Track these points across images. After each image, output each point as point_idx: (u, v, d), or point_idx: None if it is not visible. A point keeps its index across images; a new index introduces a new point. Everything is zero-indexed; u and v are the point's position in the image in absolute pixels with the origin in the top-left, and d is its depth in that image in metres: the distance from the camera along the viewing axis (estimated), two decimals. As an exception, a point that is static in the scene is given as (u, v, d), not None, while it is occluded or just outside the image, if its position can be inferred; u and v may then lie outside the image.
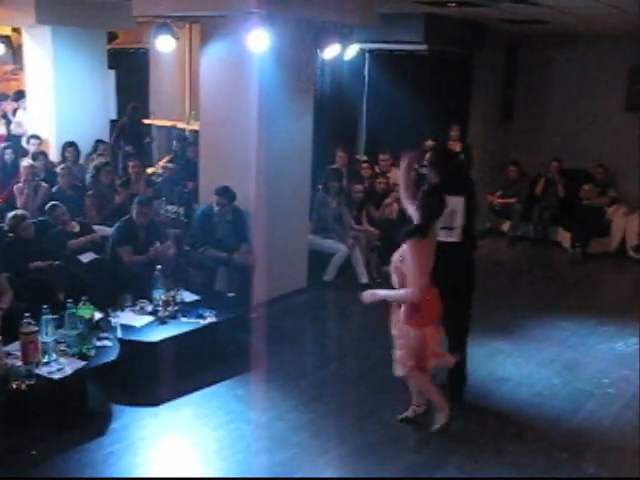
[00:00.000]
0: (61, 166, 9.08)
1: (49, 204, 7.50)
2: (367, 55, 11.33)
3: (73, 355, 5.42)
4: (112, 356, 5.52)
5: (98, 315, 5.98)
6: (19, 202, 8.26)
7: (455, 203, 5.43)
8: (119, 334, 5.89)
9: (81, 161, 9.96)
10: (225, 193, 7.53)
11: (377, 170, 10.40)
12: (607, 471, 5.05)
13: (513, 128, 12.68)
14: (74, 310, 5.55)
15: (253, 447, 5.21)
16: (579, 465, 5.09)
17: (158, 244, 7.37)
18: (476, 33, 11.23)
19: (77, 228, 7.47)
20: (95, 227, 7.80)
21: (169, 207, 8.90)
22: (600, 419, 5.78)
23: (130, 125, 11.21)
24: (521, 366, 6.70)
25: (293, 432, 5.41)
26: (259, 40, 7.10)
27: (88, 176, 8.90)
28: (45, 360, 5.26)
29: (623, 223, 10.81)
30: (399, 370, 5.26)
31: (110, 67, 11.37)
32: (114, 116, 11.69)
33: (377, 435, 5.37)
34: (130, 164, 9.42)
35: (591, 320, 7.95)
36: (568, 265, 10.57)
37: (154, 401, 5.74)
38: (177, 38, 8.70)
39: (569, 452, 5.25)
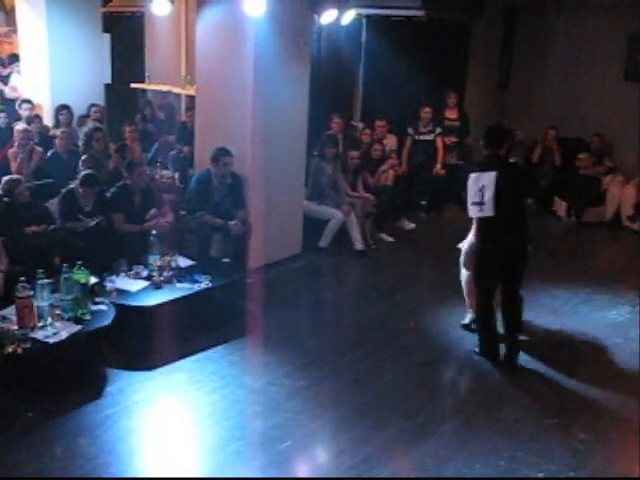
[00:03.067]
0: (61, 129, 9.01)
1: (85, 173, 7.29)
2: (364, 21, 11.23)
3: (68, 319, 5.44)
4: (107, 320, 5.55)
5: (93, 280, 5.98)
6: (13, 166, 8.21)
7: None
8: (114, 299, 5.91)
9: (74, 124, 9.88)
10: (228, 152, 7.50)
11: (373, 136, 10.36)
12: (597, 437, 5.10)
13: (510, 95, 12.61)
14: (69, 274, 5.55)
15: (247, 412, 5.25)
16: (570, 431, 5.15)
17: (154, 210, 7.36)
18: (474, -1, 11.16)
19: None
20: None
21: (164, 172, 8.86)
22: (592, 386, 5.82)
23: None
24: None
25: (287, 397, 5.45)
26: (255, 4, 7.04)
27: (80, 143, 8.85)
28: (40, 324, 5.29)
29: (618, 192, 10.78)
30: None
31: (105, 31, 11.24)
32: (109, 80, 11.58)
33: (371, 400, 5.42)
34: (127, 129, 9.36)
35: (584, 289, 7.99)
36: (563, 234, 10.58)
37: (149, 365, 5.77)
38: (172, 1, 8.60)
39: (561, 418, 5.31)
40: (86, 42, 10.56)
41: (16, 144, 8.39)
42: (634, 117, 10.88)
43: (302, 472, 4.79)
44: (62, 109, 9.65)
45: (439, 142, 10.56)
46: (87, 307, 5.56)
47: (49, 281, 5.49)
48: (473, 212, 5.83)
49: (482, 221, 5.83)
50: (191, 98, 9.87)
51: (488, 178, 5.69)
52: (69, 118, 9.67)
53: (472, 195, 5.76)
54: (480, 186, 5.70)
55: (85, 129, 9.08)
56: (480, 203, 5.71)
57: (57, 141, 8.64)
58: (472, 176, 5.80)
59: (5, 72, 11.90)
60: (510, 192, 5.73)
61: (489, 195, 5.66)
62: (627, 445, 5.07)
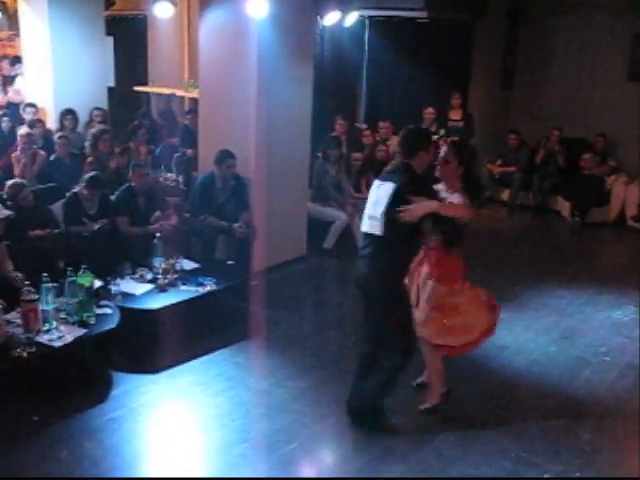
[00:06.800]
0: (58, 134, 9.02)
1: (91, 175, 7.24)
2: (367, 22, 11.24)
3: (73, 323, 5.44)
4: (112, 324, 5.55)
5: (98, 283, 5.98)
6: (17, 170, 8.22)
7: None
8: (119, 302, 5.92)
9: (79, 129, 9.91)
10: (232, 154, 7.50)
11: (377, 138, 10.36)
12: (603, 438, 5.10)
13: (513, 96, 12.60)
14: (74, 278, 5.55)
15: (252, 414, 5.25)
16: (575, 432, 5.14)
17: (158, 213, 7.37)
18: (478, 0, 11.14)
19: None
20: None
21: (168, 175, 8.88)
22: (596, 386, 5.82)
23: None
24: (519, 334, 6.73)
25: (292, 399, 5.45)
26: (258, 6, 7.05)
27: (87, 144, 8.86)
28: (46, 328, 5.28)
29: (622, 192, 10.78)
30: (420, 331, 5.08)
31: (108, 34, 11.26)
32: (112, 83, 11.60)
33: (375, 402, 5.41)
34: (140, 132, 9.33)
35: (589, 289, 7.98)
36: (567, 234, 10.58)
37: (154, 368, 5.78)
38: (175, 4, 8.61)
39: (566, 419, 5.30)
40: (89, 45, 10.56)
41: (19, 148, 8.41)
42: (638, 117, 10.88)
43: (308, 474, 4.79)
44: (67, 114, 9.66)
45: (445, 143, 10.54)
46: (92, 310, 5.56)
47: (54, 285, 5.49)
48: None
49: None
50: (194, 101, 9.88)
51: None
52: (74, 123, 9.69)
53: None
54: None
55: (93, 130, 9.08)
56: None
57: (56, 147, 8.64)
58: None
59: (12, 73, 11.91)
60: None
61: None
62: (632, 445, 5.05)
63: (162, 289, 6.25)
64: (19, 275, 5.88)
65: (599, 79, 11.59)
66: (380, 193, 4.84)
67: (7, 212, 6.19)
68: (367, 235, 4.93)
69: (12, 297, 5.44)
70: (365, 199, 8.90)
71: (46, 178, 8.24)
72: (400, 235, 4.75)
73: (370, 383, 5.02)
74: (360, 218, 8.60)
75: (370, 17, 11.14)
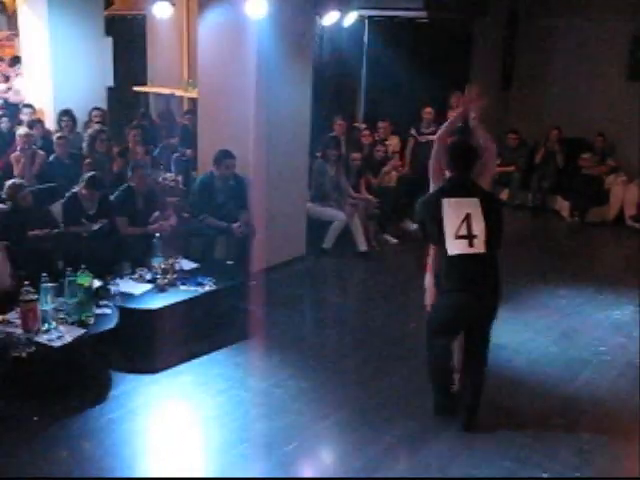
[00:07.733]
0: (57, 135, 9.01)
1: (90, 174, 7.23)
2: (366, 22, 11.23)
3: (72, 323, 5.44)
4: (111, 324, 5.55)
5: (97, 283, 5.98)
6: (16, 170, 8.21)
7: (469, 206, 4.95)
8: (118, 302, 5.91)
9: (78, 129, 9.89)
10: (231, 154, 7.51)
11: (376, 138, 10.36)
12: (602, 437, 5.09)
13: (513, 96, 12.61)
14: (73, 278, 5.55)
15: (252, 413, 5.25)
16: (575, 431, 5.13)
17: (158, 213, 7.37)
18: (477, 0, 11.14)
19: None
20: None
21: (167, 175, 8.87)
22: (596, 386, 5.82)
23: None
24: (518, 333, 6.73)
25: (292, 399, 5.45)
26: (257, 5, 7.05)
27: (84, 145, 8.85)
28: (45, 328, 5.28)
29: (621, 192, 10.78)
30: None
31: (107, 34, 11.25)
32: (111, 83, 11.59)
33: (375, 402, 5.42)
34: (132, 132, 9.33)
35: (588, 288, 7.97)
36: (566, 234, 10.58)
37: (153, 368, 5.77)
38: (174, 4, 8.61)
39: (565, 419, 5.30)
40: (88, 45, 10.55)
41: (19, 148, 8.40)
42: (637, 117, 10.88)
43: (308, 474, 4.79)
44: (64, 115, 9.64)
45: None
46: (91, 310, 5.55)
47: (53, 285, 5.49)
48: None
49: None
50: (193, 101, 9.87)
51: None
52: (71, 124, 9.66)
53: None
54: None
55: (90, 131, 9.07)
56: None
57: (55, 148, 8.63)
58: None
59: (9, 72, 11.89)
60: None
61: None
62: (632, 445, 5.05)
63: (161, 289, 6.25)
64: (10, 280, 5.88)
65: (598, 79, 11.58)
66: (466, 211, 5.02)
67: (1, 205, 6.19)
68: (462, 258, 5.06)
69: (6, 299, 5.45)
70: (364, 199, 9.06)
71: (45, 178, 8.22)
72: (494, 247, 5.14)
73: (474, 387, 5.09)
74: (360, 218, 8.73)
75: (369, 17, 11.13)
